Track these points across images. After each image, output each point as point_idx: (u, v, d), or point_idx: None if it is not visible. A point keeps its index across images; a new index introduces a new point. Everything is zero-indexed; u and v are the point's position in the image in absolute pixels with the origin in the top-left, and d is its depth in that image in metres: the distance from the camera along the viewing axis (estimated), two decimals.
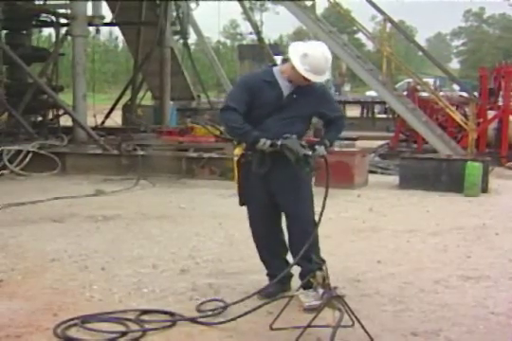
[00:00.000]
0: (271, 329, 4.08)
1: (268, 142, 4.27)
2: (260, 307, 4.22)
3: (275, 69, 4.57)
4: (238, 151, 4.57)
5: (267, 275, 4.80)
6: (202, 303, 4.53)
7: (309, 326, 3.84)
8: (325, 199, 4.38)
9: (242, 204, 4.69)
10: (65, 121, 14.41)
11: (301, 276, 4.54)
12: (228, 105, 4.44)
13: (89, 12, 13.35)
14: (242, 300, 4.30)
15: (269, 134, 4.35)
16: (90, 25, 13.54)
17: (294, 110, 4.46)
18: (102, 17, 14.10)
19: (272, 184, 4.53)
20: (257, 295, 4.47)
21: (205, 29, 18.58)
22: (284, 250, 4.74)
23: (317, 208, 4.55)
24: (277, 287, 4.56)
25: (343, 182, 9.23)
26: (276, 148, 4.28)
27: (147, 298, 4.70)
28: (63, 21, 14.18)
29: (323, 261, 4.66)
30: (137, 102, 17.15)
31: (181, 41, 18.41)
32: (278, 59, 19.97)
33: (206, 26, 19.48)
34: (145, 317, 4.26)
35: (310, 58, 4.33)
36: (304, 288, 4.34)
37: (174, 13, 17.35)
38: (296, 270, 4.66)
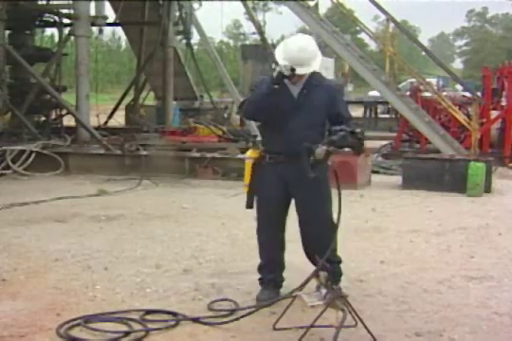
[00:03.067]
0: (274, 329, 4.09)
1: (281, 68, 4.27)
2: (263, 307, 4.23)
3: None
4: (252, 153, 4.59)
5: (262, 279, 4.73)
6: (212, 302, 4.54)
7: (312, 326, 3.84)
8: (340, 201, 4.34)
9: (249, 206, 4.66)
10: (68, 121, 14.43)
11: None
12: (245, 99, 4.60)
13: (92, 12, 13.38)
14: (251, 313, 4.25)
15: (293, 136, 4.38)
16: (93, 25, 13.56)
17: (310, 106, 4.45)
18: (105, 17, 14.10)
19: (290, 184, 4.52)
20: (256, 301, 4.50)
21: (208, 29, 18.53)
22: (283, 253, 4.75)
23: None
24: (275, 292, 4.59)
25: (346, 182, 9.19)
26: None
27: (150, 298, 4.71)
28: (66, 21, 14.20)
29: (340, 262, 4.71)
30: (139, 102, 17.15)
31: (184, 41, 18.40)
32: None
33: (209, 26, 19.44)
34: (148, 317, 4.27)
35: (286, 47, 4.40)
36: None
37: (177, 13, 17.33)
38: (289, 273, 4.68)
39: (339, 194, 4.31)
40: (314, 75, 4.51)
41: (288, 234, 4.73)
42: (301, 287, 4.19)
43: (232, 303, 4.52)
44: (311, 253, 4.51)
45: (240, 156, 10.48)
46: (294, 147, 4.29)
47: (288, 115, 4.42)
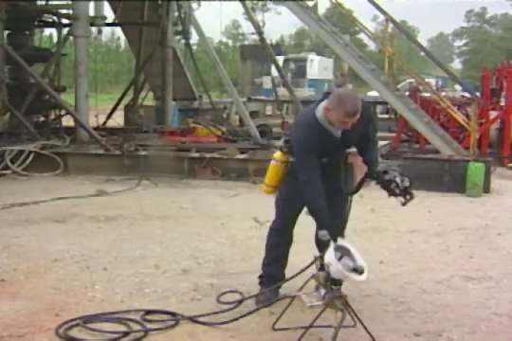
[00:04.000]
0: (273, 329, 4.09)
1: (327, 237, 4.10)
2: (262, 307, 4.24)
3: (319, 114, 4.34)
4: (279, 156, 4.59)
5: (263, 278, 4.74)
6: (222, 294, 4.58)
7: (311, 326, 3.85)
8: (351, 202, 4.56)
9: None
10: (68, 122, 14.42)
11: None
12: (308, 178, 4.28)
13: (91, 13, 13.37)
14: (250, 313, 4.23)
15: (327, 161, 4.41)
16: (92, 25, 13.55)
17: (348, 141, 4.47)
18: (104, 17, 14.10)
19: None
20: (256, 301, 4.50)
21: (207, 30, 18.54)
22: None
23: None
24: (276, 292, 4.58)
25: None
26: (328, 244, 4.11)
27: (149, 298, 4.71)
28: (65, 21, 14.18)
29: None
30: (138, 102, 17.15)
31: (183, 41, 18.40)
32: (280, 59, 19.94)
33: (208, 26, 19.45)
34: (148, 317, 4.27)
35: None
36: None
37: (176, 14, 17.33)
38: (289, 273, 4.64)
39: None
40: None
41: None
42: (287, 281, 4.31)
43: (239, 294, 4.54)
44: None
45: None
46: (326, 167, 4.35)
47: (328, 152, 4.40)
